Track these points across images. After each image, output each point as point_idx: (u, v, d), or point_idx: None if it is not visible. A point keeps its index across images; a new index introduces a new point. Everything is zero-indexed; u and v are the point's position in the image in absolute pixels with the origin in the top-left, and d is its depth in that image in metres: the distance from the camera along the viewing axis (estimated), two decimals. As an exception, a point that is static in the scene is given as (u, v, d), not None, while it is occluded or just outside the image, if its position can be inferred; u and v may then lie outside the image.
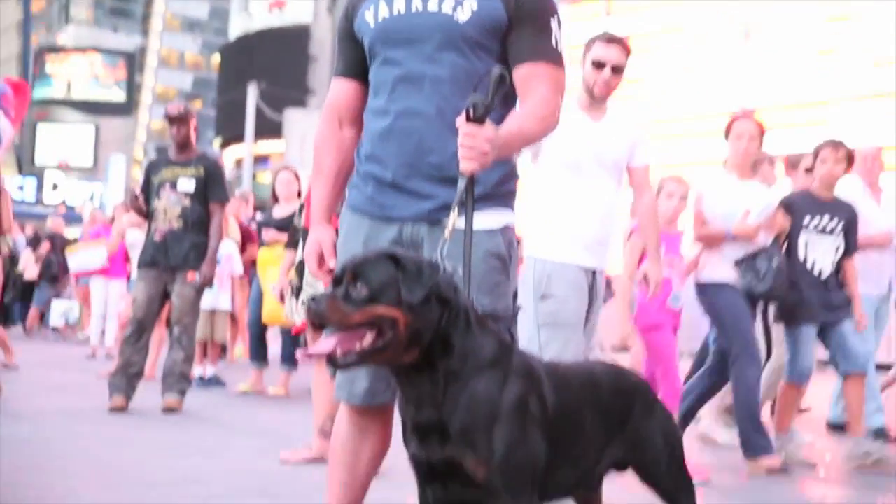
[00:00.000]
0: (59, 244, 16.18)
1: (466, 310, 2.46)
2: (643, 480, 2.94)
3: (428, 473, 2.50)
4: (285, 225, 8.27)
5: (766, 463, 5.37)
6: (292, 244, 6.63)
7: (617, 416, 2.80)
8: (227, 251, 9.01)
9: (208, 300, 8.95)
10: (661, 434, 2.89)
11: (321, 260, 2.99)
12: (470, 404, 2.40)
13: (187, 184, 7.43)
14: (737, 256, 5.65)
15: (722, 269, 5.66)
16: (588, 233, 4.57)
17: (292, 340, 8.33)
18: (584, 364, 2.93)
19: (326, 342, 2.38)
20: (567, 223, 4.59)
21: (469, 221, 2.64)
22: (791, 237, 6.00)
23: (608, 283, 4.94)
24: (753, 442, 5.44)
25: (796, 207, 6.03)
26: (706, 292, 5.71)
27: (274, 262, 8.44)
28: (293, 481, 4.76)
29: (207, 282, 7.41)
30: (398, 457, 3.05)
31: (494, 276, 2.84)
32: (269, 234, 8.62)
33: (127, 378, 7.26)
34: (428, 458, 2.46)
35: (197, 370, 9.06)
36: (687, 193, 5.72)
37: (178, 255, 7.35)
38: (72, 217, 19.91)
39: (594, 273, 4.60)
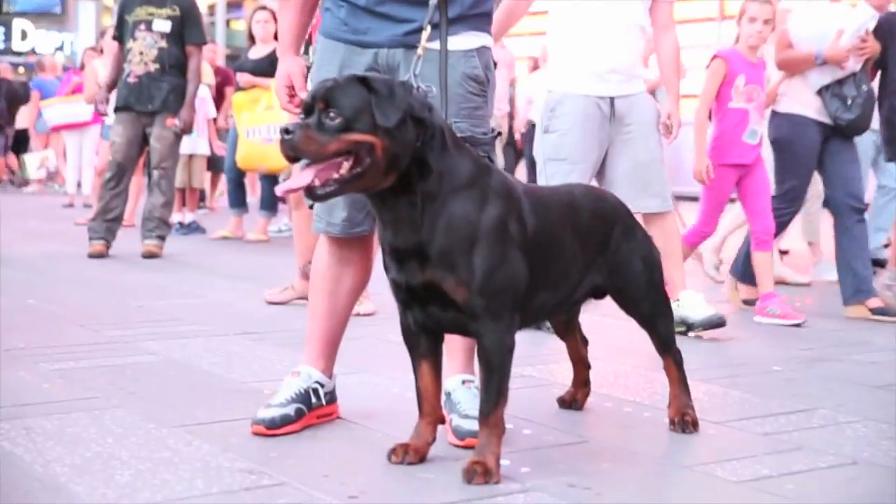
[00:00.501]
0: (5, 89, 15.91)
1: (442, 129, 2.47)
2: (622, 306, 3.02)
3: (408, 297, 2.56)
4: (261, 67, 8.17)
5: (870, 304, 5.23)
6: None
7: (596, 239, 2.85)
8: (201, 94, 8.91)
9: (186, 145, 8.89)
10: (640, 258, 2.95)
11: (292, 92, 2.97)
12: (449, 226, 2.44)
13: (163, 24, 7.28)
14: (822, 83, 5.29)
15: (804, 98, 5.33)
16: (598, 60, 4.49)
17: (271, 184, 8.34)
18: (564, 187, 2.95)
19: (304, 174, 2.40)
20: (575, 51, 4.55)
21: (443, 39, 2.63)
22: (885, 62, 5.57)
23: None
24: (855, 284, 5.22)
25: (891, 30, 5.56)
26: (782, 124, 5.37)
27: (249, 105, 8.38)
28: (275, 320, 4.85)
29: (187, 127, 7.35)
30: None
31: (472, 100, 2.84)
32: (244, 77, 8.51)
33: (106, 223, 7.28)
34: (407, 281, 2.51)
35: (176, 217, 9.07)
36: (772, 16, 5.26)
37: (156, 99, 7.27)
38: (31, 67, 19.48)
39: (612, 100, 4.53)
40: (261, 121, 8.28)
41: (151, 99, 7.26)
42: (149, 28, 7.28)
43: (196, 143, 9.50)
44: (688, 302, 4.57)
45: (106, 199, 7.30)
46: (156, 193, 7.36)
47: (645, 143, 4.57)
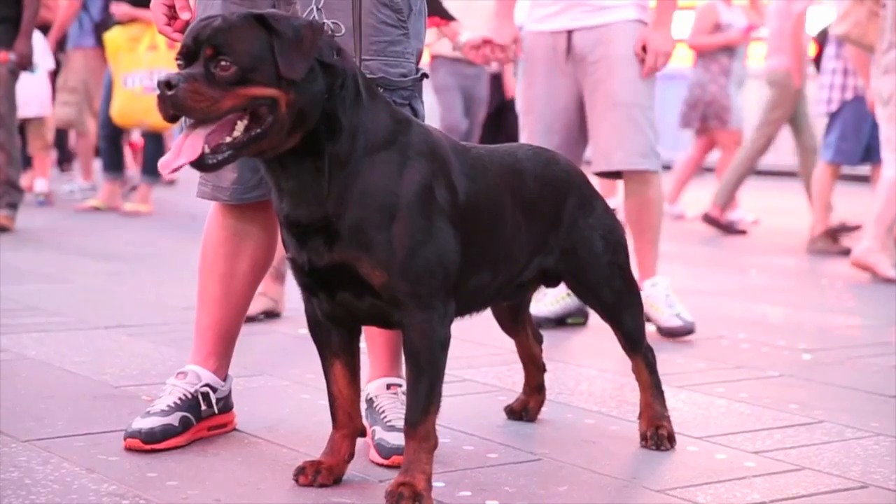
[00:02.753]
0: None
1: (355, 76, 2.47)
2: (579, 295, 3.06)
3: (311, 281, 2.55)
4: (143, -5, 8.10)
5: None
6: None
7: (545, 211, 2.86)
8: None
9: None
10: (599, 236, 2.97)
11: (171, 13, 2.89)
12: (363, 195, 2.43)
13: None
14: None
15: None
16: None
17: (155, 143, 8.29)
18: (504, 146, 2.96)
19: (192, 143, 2.35)
20: None
21: None
22: None
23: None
24: None
25: None
26: None
27: (127, 45, 8.31)
28: (158, 311, 4.84)
29: (24, 61, 7.24)
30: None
31: (386, 32, 2.83)
32: (119, 8, 8.42)
33: None
34: (311, 262, 2.50)
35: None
36: None
37: None
38: None
39: (569, 34, 4.53)
40: (142, 64, 8.23)
41: None
42: None
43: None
44: (653, 296, 4.54)
45: None
46: None
47: (618, 83, 4.52)
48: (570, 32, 4.55)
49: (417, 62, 2.95)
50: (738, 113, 9.42)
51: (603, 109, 4.50)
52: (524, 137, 4.59)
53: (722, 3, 9.43)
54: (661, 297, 4.56)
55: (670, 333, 4.52)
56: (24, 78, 7.72)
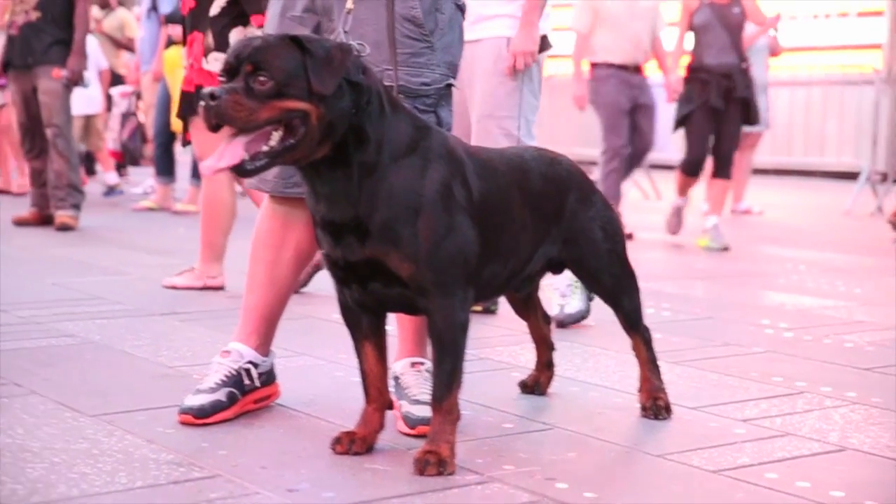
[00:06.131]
0: None
1: (379, 92, 2.47)
2: (582, 280, 3.05)
3: (345, 274, 2.56)
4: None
5: None
6: None
7: (549, 206, 2.86)
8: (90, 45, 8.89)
9: (80, 104, 8.91)
10: (599, 227, 2.96)
11: None
12: (390, 197, 2.44)
13: None
14: None
15: None
16: None
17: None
18: (512, 148, 2.95)
19: (232, 149, 2.37)
20: None
21: None
22: None
23: None
24: None
25: None
26: None
27: (182, 63, 8.30)
28: (207, 299, 4.84)
29: (76, 77, 7.27)
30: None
31: (409, 45, 2.82)
32: (175, 30, 8.44)
33: (38, 191, 7.46)
34: (345, 257, 2.51)
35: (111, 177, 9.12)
36: None
37: (36, 51, 7.21)
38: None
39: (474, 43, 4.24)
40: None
41: (31, 52, 7.21)
42: None
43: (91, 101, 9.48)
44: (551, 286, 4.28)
45: (29, 166, 7.49)
46: (55, 157, 7.31)
47: (479, 97, 4.33)
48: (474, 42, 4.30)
49: (452, 73, 2.94)
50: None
51: (473, 124, 4.41)
52: None
53: None
54: (560, 287, 4.34)
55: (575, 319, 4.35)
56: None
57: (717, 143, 7.27)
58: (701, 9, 7.27)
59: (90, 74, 8.53)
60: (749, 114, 7.25)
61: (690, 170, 7.34)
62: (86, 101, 9.29)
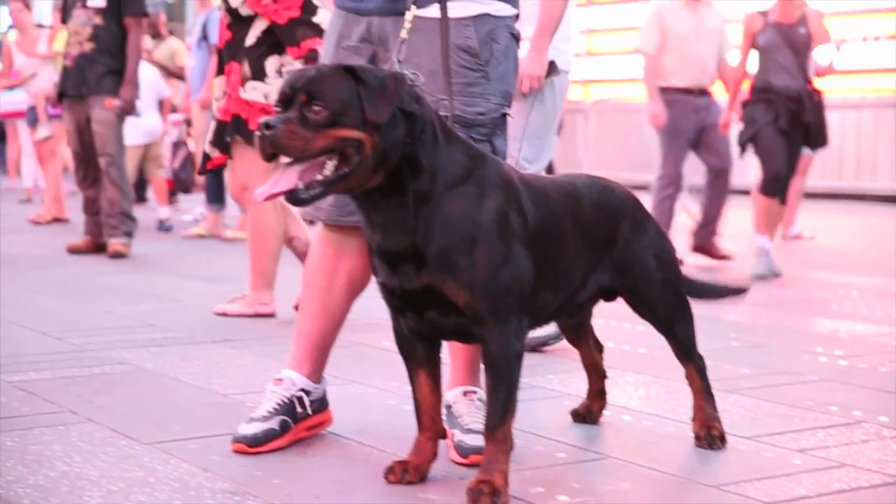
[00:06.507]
0: None
1: (432, 122, 2.48)
2: (635, 309, 3.03)
3: (401, 302, 2.57)
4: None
5: None
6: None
7: (601, 234, 2.85)
8: (152, 75, 9.00)
9: (136, 134, 9.04)
10: (653, 255, 2.95)
11: None
12: (446, 225, 2.45)
13: None
14: None
15: None
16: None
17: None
18: (564, 177, 2.96)
19: (287, 177, 2.39)
20: None
21: (444, 9, 2.66)
22: None
23: None
24: None
25: None
26: None
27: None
28: (260, 326, 4.86)
29: (128, 107, 7.35)
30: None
31: (465, 74, 2.83)
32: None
33: (92, 218, 7.57)
34: (402, 286, 2.52)
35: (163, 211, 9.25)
36: None
37: (89, 81, 7.31)
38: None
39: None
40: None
41: (85, 81, 7.31)
42: (84, 4, 7.33)
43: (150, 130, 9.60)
44: None
45: (83, 195, 7.58)
46: (107, 185, 7.40)
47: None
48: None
49: (507, 103, 2.94)
50: None
51: None
52: None
53: None
54: None
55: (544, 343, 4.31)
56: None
57: None
58: (765, 30, 7.04)
59: (145, 103, 8.64)
60: (812, 137, 7.02)
61: (773, 188, 6.95)
62: (142, 131, 9.40)
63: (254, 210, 5.11)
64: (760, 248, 6.96)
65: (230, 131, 4.98)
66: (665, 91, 7.43)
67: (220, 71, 5.10)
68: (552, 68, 4.41)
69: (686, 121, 7.36)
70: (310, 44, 4.84)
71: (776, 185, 6.98)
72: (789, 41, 6.98)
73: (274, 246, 5.12)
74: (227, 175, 5.68)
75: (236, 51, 4.97)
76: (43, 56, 10.81)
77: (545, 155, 4.48)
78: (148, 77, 8.73)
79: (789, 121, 6.90)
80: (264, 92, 4.91)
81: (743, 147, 7.11)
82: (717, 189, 7.52)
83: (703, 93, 7.42)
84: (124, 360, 4.07)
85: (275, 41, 4.91)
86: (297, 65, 4.97)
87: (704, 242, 7.59)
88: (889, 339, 4.78)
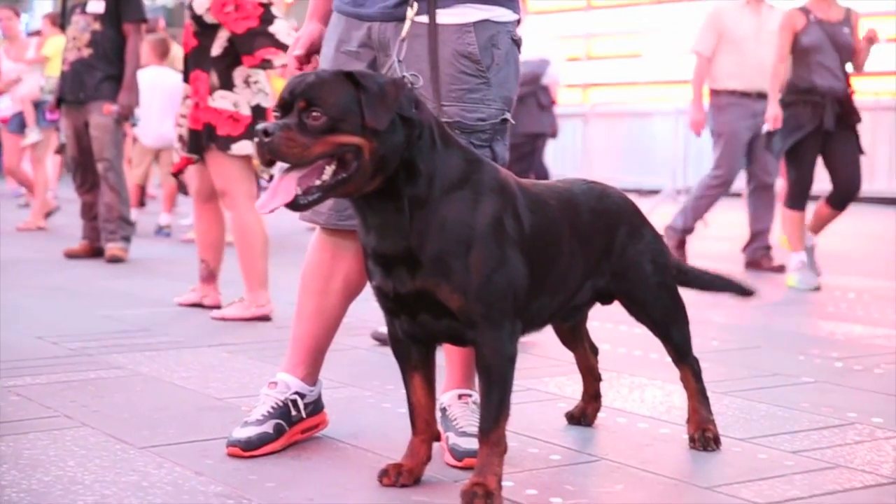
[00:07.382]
0: None
1: (431, 126, 2.49)
2: (631, 312, 3.03)
3: (395, 305, 2.57)
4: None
5: None
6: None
7: (599, 240, 2.86)
8: (171, 79, 8.96)
9: (152, 137, 9.04)
10: (649, 259, 2.96)
11: (305, 60, 3.03)
12: (441, 229, 2.45)
13: (96, 5, 7.30)
14: None
15: None
16: None
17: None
18: (562, 182, 2.96)
19: (286, 186, 2.40)
20: None
21: (432, 13, 2.66)
22: None
23: None
24: None
25: None
26: None
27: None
28: (256, 330, 4.87)
29: (126, 112, 7.36)
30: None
31: (465, 80, 2.83)
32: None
33: (89, 223, 7.55)
34: (395, 289, 2.52)
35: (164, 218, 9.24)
36: None
37: (87, 86, 7.31)
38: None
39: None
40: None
41: (82, 87, 7.32)
42: (83, 11, 7.34)
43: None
44: None
45: (81, 200, 7.58)
46: (105, 190, 7.41)
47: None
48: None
49: (508, 108, 2.93)
50: None
51: None
52: None
53: None
54: None
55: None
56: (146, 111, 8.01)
57: (835, 170, 6.67)
58: (809, 27, 6.65)
59: (166, 110, 8.65)
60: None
61: (801, 202, 6.70)
62: (158, 135, 9.37)
63: (235, 213, 5.14)
64: (800, 263, 6.69)
65: (205, 139, 5.02)
66: (719, 94, 7.29)
67: (185, 79, 5.14)
68: None
69: (742, 125, 7.23)
70: (263, 53, 4.91)
71: (804, 199, 6.74)
72: (834, 40, 6.65)
73: (260, 245, 5.14)
74: (187, 176, 5.66)
75: (202, 59, 5.05)
76: (30, 61, 10.84)
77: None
78: (173, 83, 8.68)
79: (836, 123, 6.56)
80: (233, 101, 5.01)
81: (783, 153, 6.71)
82: (763, 202, 7.42)
83: (760, 96, 7.17)
84: (120, 364, 4.07)
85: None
86: (259, 74, 5.09)
87: (756, 256, 7.45)
88: (885, 341, 4.79)
